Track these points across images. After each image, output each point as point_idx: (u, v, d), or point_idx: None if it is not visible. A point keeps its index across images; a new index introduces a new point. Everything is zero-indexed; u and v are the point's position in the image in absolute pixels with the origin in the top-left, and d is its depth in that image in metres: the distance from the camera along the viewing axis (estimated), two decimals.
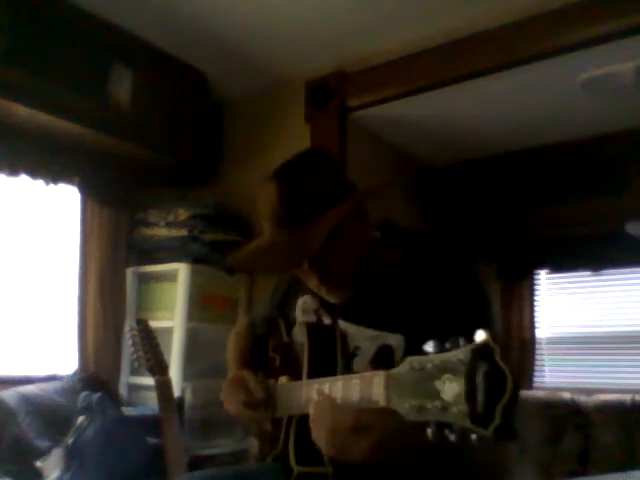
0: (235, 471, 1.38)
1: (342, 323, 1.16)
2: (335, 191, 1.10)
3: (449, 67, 2.62)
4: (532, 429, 3.02)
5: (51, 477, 2.14)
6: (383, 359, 0.88)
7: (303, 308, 1.26)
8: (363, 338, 1.12)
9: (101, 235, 2.91)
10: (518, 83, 2.70)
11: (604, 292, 3.47)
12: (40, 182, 2.70)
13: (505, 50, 2.48)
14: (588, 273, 3.48)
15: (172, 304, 2.85)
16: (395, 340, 1.08)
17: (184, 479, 1.67)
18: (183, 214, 2.88)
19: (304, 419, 0.99)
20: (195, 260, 2.87)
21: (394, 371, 0.81)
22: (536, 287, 3.68)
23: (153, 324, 2.01)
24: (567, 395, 3.15)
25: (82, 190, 2.85)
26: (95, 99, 2.54)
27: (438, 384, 0.71)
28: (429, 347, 0.74)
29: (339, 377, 0.98)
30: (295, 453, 1.05)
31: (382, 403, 0.82)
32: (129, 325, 2.07)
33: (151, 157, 2.86)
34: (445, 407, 0.69)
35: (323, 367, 1.09)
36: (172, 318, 2.83)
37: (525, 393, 3.29)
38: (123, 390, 2.91)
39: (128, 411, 2.51)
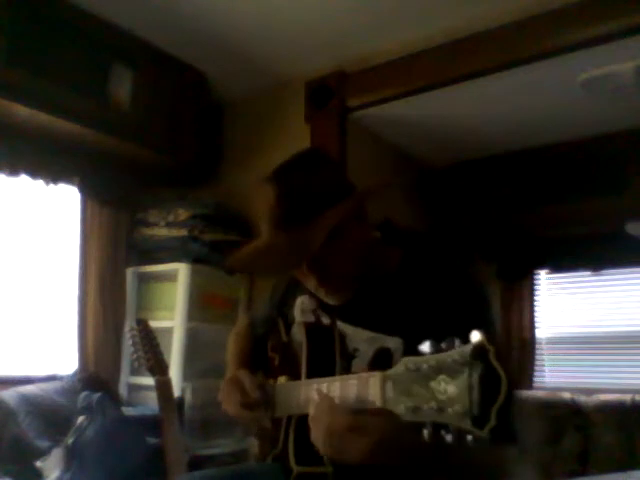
0: (235, 471, 1.38)
1: (340, 324, 1.16)
2: (334, 191, 1.09)
3: (449, 67, 2.62)
4: (532, 429, 3.02)
5: (51, 477, 2.14)
6: (382, 362, 0.88)
7: (301, 308, 1.25)
8: (361, 340, 1.12)
9: (101, 235, 2.91)
10: (518, 83, 2.70)
11: (604, 292, 3.47)
12: (40, 182, 2.70)
13: (505, 50, 2.48)
14: (588, 273, 3.48)
15: (172, 304, 2.85)
16: (394, 343, 1.07)
17: (184, 479, 1.67)
18: (183, 214, 2.88)
19: (303, 419, 0.99)
20: (195, 260, 2.87)
21: (390, 372, 0.81)
22: (536, 287, 3.67)
23: (153, 324, 2.01)
24: (567, 395, 3.15)
25: (82, 190, 2.85)
26: (95, 99, 2.55)
27: (434, 385, 0.71)
28: (425, 347, 0.74)
29: (337, 377, 0.98)
30: (295, 453, 1.05)
31: (378, 404, 0.82)
32: (129, 325, 2.08)
33: (151, 157, 2.86)
34: (441, 408, 0.69)
35: (321, 367, 1.09)
36: (172, 318, 2.83)
37: (525, 393, 3.29)
38: (123, 390, 2.91)
39: (128, 411, 2.51)
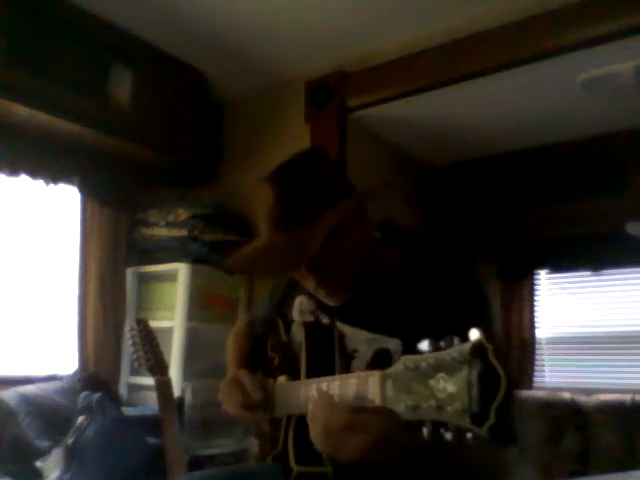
0: (235, 471, 1.38)
1: (339, 325, 1.16)
2: (333, 191, 1.09)
3: (449, 67, 2.62)
4: (532, 429, 3.02)
5: (51, 477, 2.14)
6: (381, 363, 0.88)
7: (300, 309, 1.25)
8: (360, 340, 1.12)
9: (101, 235, 2.91)
10: (518, 83, 2.70)
11: (604, 292, 3.47)
12: (40, 182, 2.70)
13: (505, 50, 2.48)
14: (588, 273, 3.48)
15: (172, 304, 2.85)
16: (393, 344, 1.07)
17: (184, 479, 1.67)
18: (183, 214, 2.88)
19: (303, 419, 0.99)
20: (195, 260, 2.87)
21: (389, 371, 0.81)
22: (536, 287, 3.67)
23: (153, 324, 2.01)
24: (567, 395, 3.15)
25: (82, 190, 2.85)
26: (95, 99, 2.55)
27: (433, 383, 0.71)
28: (424, 346, 0.74)
29: (336, 377, 0.98)
30: (295, 453, 1.05)
31: (378, 402, 0.82)
32: (129, 325, 2.08)
33: (151, 157, 2.86)
34: (440, 406, 0.69)
35: (321, 366, 1.08)
36: (172, 318, 2.83)
37: (525, 393, 3.29)
38: (123, 390, 2.91)
39: (128, 411, 2.51)
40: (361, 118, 3.01)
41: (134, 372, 2.86)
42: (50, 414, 2.40)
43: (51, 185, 2.75)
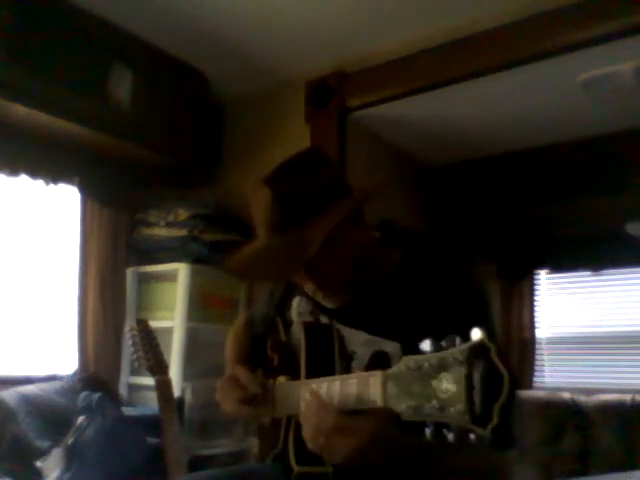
0: (235, 471, 1.38)
1: (338, 326, 1.16)
2: (331, 193, 1.08)
3: (449, 67, 2.62)
4: (532, 429, 3.02)
5: (51, 477, 2.14)
6: (379, 365, 0.88)
7: (298, 310, 1.25)
8: (358, 342, 1.12)
9: (101, 235, 2.91)
10: (518, 83, 2.70)
11: (604, 292, 3.46)
12: (40, 182, 2.70)
13: (505, 50, 2.48)
14: (588, 273, 3.47)
15: (172, 304, 2.85)
16: (392, 347, 1.07)
17: (184, 479, 1.67)
18: (183, 214, 2.88)
19: None
20: (195, 260, 2.87)
21: (391, 371, 0.80)
22: (536, 287, 3.67)
23: (153, 324, 2.00)
24: (567, 395, 3.15)
25: (82, 190, 2.85)
26: (95, 99, 2.55)
27: (435, 383, 0.70)
28: (426, 346, 0.74)
29: (337, 377, 0.98)
30: (295, 453, 1.05)
31: (379, 404, 0.82)
32: (129, 325, 2.07)
33: (151, 157, 2.86)
34: (442, 407, 0.69)
35: (321, 367, 1.08)
36: (172, 318, 2.83)
37: (525, 393, 3.29)
38: (123, 390, 2.91)
39: (128, 411, 2.51)
40: (361, 118, 3.01)
41: (134, 372, 2.86)
42: (50, 414, 2.39)
43: (51, 185, 2.75)
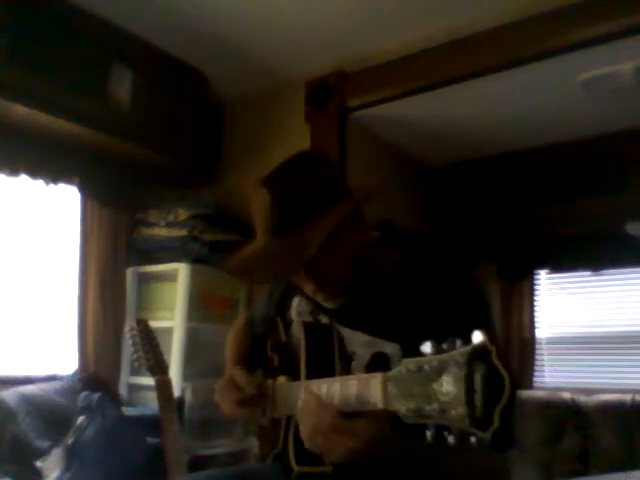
0: (235, 471, 1.38)
1: (337, 326, 1.16)
2: (330, 194, 1.08)
3: (449, 67, 2.62)
4: (532, 429, 3.02)
5: (51, 477, 2.14)
6: (379, 367, 0.88)
7: (298, 310, 1.25)
8: (358, 343, 1.12)
9: (101, 235, 2.91)
10: (518, 83, 2.70)
11: (604, 292, 3.46)
12: (40, 182, 2.70)
13: (505, 50, 2.48)
14: (588, 273, 3.48)
15: (172, 304, 2.85)
16: (391, 349, 1.07)
17: (184, 479, 1.67)
18: (183, 214, 2.88)
19: None
20: (195, 260, 2.87)
21: (391, 373, 0.80)
22: (536, 287, 3.67)
23: (153, 324, 2.00)
24: (567, 395, 3.15)
25: (82, 190, 2.85)
26: (95, 99, 2.55)
27: (435, 386, 0.70)
28: (426, 348, 0.73)
29: (337, 378, 0.98)
30: (295, 453, 1.05)
31: (380, 405, 0.82)
32: (129, 325, 2.07)
33: (151, 157, 2.86)
34: (443, 409, 0.69)
35: (321, 367, 1.08)
36: (172, 318, 2.83)
37: (525, 393, 3.28)
38: (123, 390, 2.91)
39: (128, 411, 2.51)
40: (361, 118, 3.01)
41: (134, 372, 2.86)
42: (50, 414, 2.39)
43: (51, 185, 2.75)
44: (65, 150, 2.72)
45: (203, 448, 2.49)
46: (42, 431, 2.32)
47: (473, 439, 0.66)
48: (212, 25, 2.62)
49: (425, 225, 3.62)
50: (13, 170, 2.59)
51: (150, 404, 2.57)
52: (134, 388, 2.90)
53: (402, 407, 0.75)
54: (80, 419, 2.26)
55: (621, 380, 3.26)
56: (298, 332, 1.18)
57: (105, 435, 2.19)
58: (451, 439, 0.68)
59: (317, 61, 2.87)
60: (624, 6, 2.22)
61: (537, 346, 3.57)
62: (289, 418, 1.11)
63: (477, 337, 0.69)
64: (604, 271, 3.42)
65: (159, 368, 1.89)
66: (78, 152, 2.74)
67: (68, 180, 2.79)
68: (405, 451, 0.90)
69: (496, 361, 0.66)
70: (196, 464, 2.09)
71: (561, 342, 3.57)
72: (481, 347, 0.68)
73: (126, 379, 2.93)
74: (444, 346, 0.71)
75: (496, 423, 0.64)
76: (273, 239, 1.08)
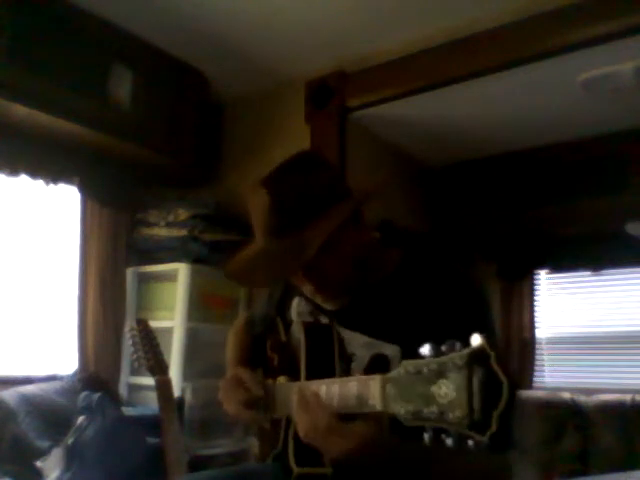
0: (235, 471, 1.38)
1: (337, 327, 1.16)
2: (329, 195, 1.08)
3: (449, 67, 2.62)
4: (532, 429, 3.02)
5: (51, 477, 2.14)
6: (378, 368, 0.88)
7: (298, 310, 1.25)
8: (358, 345, 1.11)
9: (101, 235, 2.91)
10: (518, 83, 2.70)
11: (604, 292, 3.47)
12: (40, 182, 2.70)
13: (505, 50, 2.48)
14: (588, 273, 3.48)
15: (172, 304, 2.85)
16: (391, 350, 1.07)
17: (184, 479, 1.67)
18: (183, 214, 2.88)
19: None
20: (195, 260, 2.87)
21: (390, 375, 0.80)
22: (536, 287, 3.67)
23: (153, 324, 2.00)
24: (567, 395, 3.15)
25: (82, 190, 2.85)
26: (95, 99, 2.54)
27: (434, 389, 0.70)
28: (425, 350, 0.73)
29: (336, 379, 0.98)
30: (294, 454, 1.05)
31: (378, 407, 0.82)
32: (129, 325, 2.07)
33: (151, 157, 2.86)
34: (442, 412, 0.69)
35: (320, 367, 1.08)
36: (172, 318, 2.83)
37: (525, 393, 3.29)
38: (123, 390, 2.91)
39: (128, 411, 2.51)
40: (361, 118, 3.01)
41: (134, 372, 2.86)
42: (50, 414, 2.39)
43: (51, 185, 2.75)
44: (65, 150, 2.72)
45: (203, 448, 2.49)
46: (42, 431, 2.32)
47: (471, 442, 0.66)
48: (212, 25, 2.62)
49: (425, 225, 3.62)
50: (13, 170, 2.59)
51: (150, 404, 2.57)
52: (134, 388, 2.90)
53: (401, 409, 0.75)
54: (80, 419, 2.26)
55: (621, 380, 3.26)
56: (298, 332, 1.18)
57: (105, 435, 2.19)
58: (449, 442, 0.68)
59: (317, 61, 2.87)
60: (624, 6, 2.22)
61: (537, 346, 3.57)
62: (289, 418, 1.11)
63: (476, 340, 0.68)
64: (604, 271, 3.42)
65: (159, 368, 1.89)
66: (78, 152, 2.74)
67: (68, 180, 2.79)
68: (403, 453, 0.90)
69: (495, 365, 0.66)
70: (196, 464, 2.09)
71: (561, 342, 3.57)
72: (480, 350, 0.68)
73: (126, 379, 2.93)
74: (443, 348, 0.71)
75: (494, 427, 0.64)
76: (272, 241, 1.08)
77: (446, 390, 0.69)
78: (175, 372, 2.66)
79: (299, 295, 1.25)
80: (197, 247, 2.87)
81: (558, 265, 3.57)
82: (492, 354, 0.67)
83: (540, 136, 3.33)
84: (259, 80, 3.06)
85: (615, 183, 3.20)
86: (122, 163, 2.89)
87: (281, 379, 1.15)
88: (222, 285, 2.97)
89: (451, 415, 0.67)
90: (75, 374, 2.70)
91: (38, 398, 2.44)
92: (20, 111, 2.38)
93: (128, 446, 2.22)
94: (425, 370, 0.72)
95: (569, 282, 3.62)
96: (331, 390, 0.94)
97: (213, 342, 2.78)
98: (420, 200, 3.68)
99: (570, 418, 3.04)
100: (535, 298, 3.65)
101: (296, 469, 1.03)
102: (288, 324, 1.27)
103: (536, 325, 3.60)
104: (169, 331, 2.78)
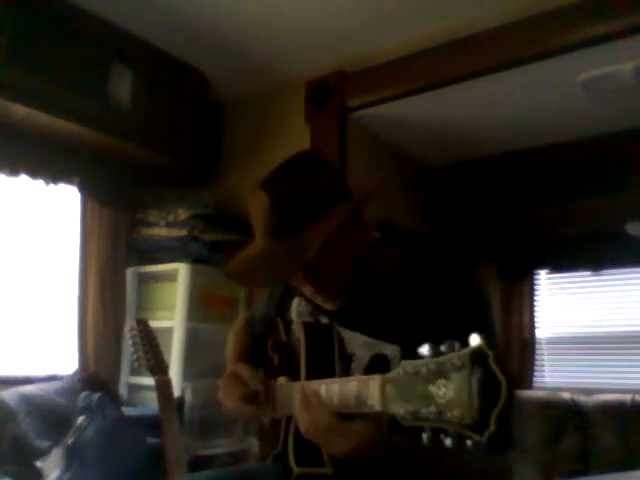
0: (235, 471, 1.38)
1: (337, 327, 1.16)
2: (329, 196, 1.08)
3: (449, 67, 2.62)
4: (532, 429, 3.02)
5: (51, 477, 2.14)
6: (378, 368, 0.88)
7: (298, 311, 1.25)
8: (358, 345, 1.12)
9: (101, 235, 2.91)
10: (518, 83, 2.70)
11: (604, 292, 3.46)
12: (40, 182, 2.70)
13: (505, 50, 2.48)
14: (588, 273, 3.48)
15: (172, 304, 2.85)
16: (391, 350, 1.07)
17: (184, 479, 1.67)
18: (183, 214, 2.88)
19: None
20: (195, 260, 2.87)
21: (389, 375, 0.80)
22: (536, 287, 3.67)
23: (153, 324, 2.01)
24: (567, 395, 3.15)
25: (82, 190, 2.85)
26: (95, 99, 2.55)
27: (433, 389, 0.70)
28: (424, 350, 0.73)
29: (336, 379, 0.98)
30: (294, 454, 1.05)
31: (378, 407, 0.82)
32: (129, 325, 2.07)
33: (151, 157, 2.86)
34: (440, 412, 0.69)
35: (321, 367, 1.08)
36: (172, 318, 2.83)
37: (525, 393, 3.29)
38: (123, 390, 2.91)
39: (128, 411, 2.51)
40: (361, 118, 3.01)
41: (134, 372, 2.86)
42: (50, 414, 2.39)
43: (51, 185, 2.75)
44: (65, 150, 2.72)
45: (203, 448, 2.49)
46: (42, 431, 2.32)
47: (469, 442, 0.66)
48: (212, 25, 2.62)
49: (425, 225, 3.62)
50: (13, 170, 2.59)
51: (150, 404, 2.57)
52: (134, 388, 2.90)
53: (400, 409, 0.76)
54: (80, 419, 2.26)
55: (621, 380, 3.26)
56: (298, 332, 1.18)
57: (105, 435, 2.19)
58: (448, 442, 0.68)
59: (317, 61, 2.87)
60: (624, 6, 2.22)
61: (537, 346, 3.57)
62: (289, 418, 1.11)
63: (474, 340, 0.69)
64: (604, 271, 3.42)
65: (159, 368, 1.89)
66: (78, 152, 2.74)
67: (68, 180, 2.79)
68: (403, 453, 0.90)
69: (493, 365, 0.66)
70: (196, 464, 2.09)
71: (561, 342, 3.57)
72: (478, 350, 0.68)
73: (126, 379, 2.93)
74: (442, 348, 0.71)
75: (492, 427, 0.65)
76: (272, 242, 1.08)
77: (445, 390, 0.69)
78: (175, 372, 2.66)
79: (299, 295, 1.25)
80: (197, 247, 2.87)
81: (558, 265, 3.57)
82: (490, 354, 0.67)
83: (540, 136, 3.33)
84: (259, 80, 3.06)
85: (615, 183, 3.20)
86: (122, 163, 2.89)
87: (281, 379, 1.15)
88: (222, 285, 2.97)
89: (449, 415, 0.68)
90: (75, 374, 2.70)
91: (38, 398, 2.44)
92: (20, 111, 2.38)
93: (128, 446, 2.22)
94: (424, 370, 0.72)
95: (569, 282, 3.62)
96: (331, 390, 0.94)
97: (213, 342, 2.78)
98: (420, 200, 3.68)
99: (570, 418, 3.05)
100: (535, 298, 3.65)
101: (296, 469, 1.03)
102: (288, 324, 1.27)
103: (536, 325, 3.60)
104: (169, 331, 2.78)
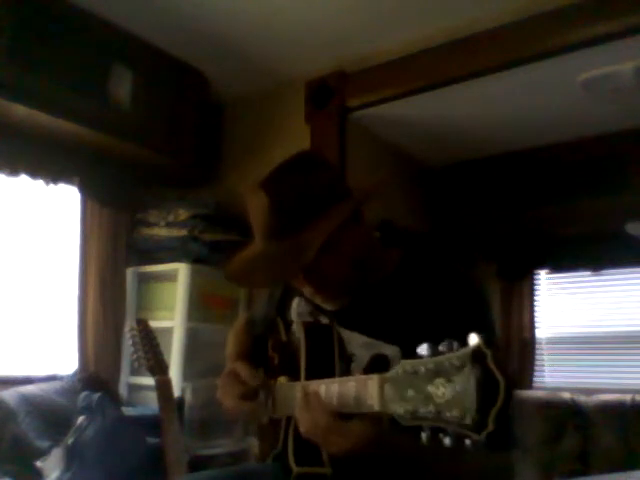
0: (235, 471, 1.38)
1: (337, 327, 1.16)
2: (329, 195, 1.08)
3: (449, 67, 2.62)
4: (532, 429, 3.02)
5: (51, 477, 2.14)
6: (378, 368, 0.88)
7: (298, 311, 1.25)
8: (357, 345, 1.12)
9: (101, 235, 2.91)
10: (518, 83, 2.70)
11: (604, 292, 3.46)
12: (40, 182, 2.70)
13: (505, 50, 2.48)
14: (588, 273, 3.47)
15: (172, 304, 2.86)
16: (391, 351, 1.07)
17: (184, 479, 1.67)
18: (183, 214, 2.88)
19: None
20: (195, 260, 2.87)
21: (388, 375, 0.81)
22: (536, 287, 3.67)
23: (153, 324, 2.01)
24: (567, 395, 3.15)
25: (82, 190, 2.85)
26: (95, 99, 2.55)
27: (432, 388, 0.71)
28: (423, 350, 0.74)
29: (336, 379, 0.98)
30: (294, 453, 1.05)
31: (376, 407, 0.82)
32: (129, 325, 2.07)
33: (151, 157, 2.86)
34: (439, 411, 0.69)
35: (320, 367, 1.08)
36: (172, 318, 2.83)
37: (525, 393, 3.29)
38: (123, 390, 2.91)
39: (128, 411, 2.51)
40: (361, 118, 3.01)
41: (134, 372, 2.86)
42: (50, 414, 2.39)
43: (51, 185, 2.75)
44: (65, 150, 2.72)
45: (203, 448, 2.49)
46: (42, 431, 2.32)
47: (468, 441, 0.66)
48: (212, 25, 2.62)
49: (425, 225, 3.62)
50: (13, 170, 2.59)
51: (150, 404, 2.57)
52: (134, 388, 2.90)
53: (399, 409, 0.76)
54: (80, 419, 2.26)
55: (621, 380, 3.26)
56: (298, 332, 1.18)
57: (105, 435, 2.19)
58: (447, 441, 0.69)
59: (317, 61, 2.87)
60: (624, 6, 2.22)
61: (537, 346, 3.57)
62: (289, 418, 1.11)
63: (473, 339, 0.69)
64: (604, 271, 3.42)
65: (159, 368, 1.89)
66: (78, 152, 2.74)
67: (68, 180, 2.80)
68: (402, 452, 0.90)
69: (492, 365, 0.66)
70: (196, 464, 2.09)
71: (561, 342, 3.57)
72: (477, 350, 0.68)
73: (126, 379, 2.93)
74: (441, 348, 0.71)
75: (491, 426, 0.64)
76: (272, 243, 1.08)
77: (443, 389, 0.69)
78: (175, 372, 2.66)
79: (299, 295, 1.25)
80: (197, 247, 2.87)
81: (558, 265, 3.57)
82: (489, 353, 0.67)
83: (540, 136, 3.33)
84: (259, 80, 3.06)
85: (615, 183, 3.20)
86: (122, 163, 2.89)
87: (281, 379, 1.15)
88: (222, 285, 2.97)
89: (448, 414, 0.68)
90: (75, 374, 2.70)
91: (38, 398, 2.44)
92: (20, 111, 2.38)
93: (128, 446, 2.22)
94: (422, 370, 0.72)
95: (569, 282, 3.62)
96: (330, 390, 0.94)
97: (213, 342, 2.78)
98: (420, 200, 3.68)
99: (570, 418, 3.04)
100: (535, 298, 3.65)
101: (296, 469, 1.03)
102: (288, 324, 1.27)
103: (536, 325, 3.60)
104: (169, 331, 2.78)
